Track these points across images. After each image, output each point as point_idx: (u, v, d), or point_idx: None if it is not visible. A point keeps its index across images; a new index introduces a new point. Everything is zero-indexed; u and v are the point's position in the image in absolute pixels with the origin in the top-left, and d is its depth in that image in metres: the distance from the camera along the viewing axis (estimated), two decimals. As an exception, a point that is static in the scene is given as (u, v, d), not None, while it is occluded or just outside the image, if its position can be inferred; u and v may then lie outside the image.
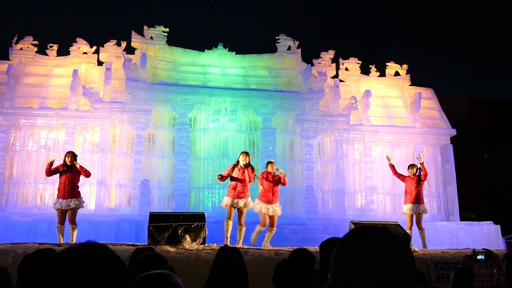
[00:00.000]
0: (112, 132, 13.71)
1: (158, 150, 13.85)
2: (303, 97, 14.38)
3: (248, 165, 9.60)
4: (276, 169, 9.92)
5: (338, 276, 1.18)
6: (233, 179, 9.56)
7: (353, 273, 1.15)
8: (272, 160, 10.39)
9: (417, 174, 10.78)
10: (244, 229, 9.43)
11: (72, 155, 9.70)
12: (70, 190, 9.42)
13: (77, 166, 9.59)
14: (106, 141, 13.41)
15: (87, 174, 9.78)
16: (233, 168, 9.60)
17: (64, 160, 9.67)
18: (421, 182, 10.71)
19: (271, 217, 9.71)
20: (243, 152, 9.83)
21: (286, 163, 14.27)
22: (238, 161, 9.68)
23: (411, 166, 11.00)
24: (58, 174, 9.69)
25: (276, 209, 9.70)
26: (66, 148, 13.15)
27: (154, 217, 9.04)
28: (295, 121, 14.37)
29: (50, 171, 9.64)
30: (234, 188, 9.49)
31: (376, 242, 1.18)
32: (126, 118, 13.39)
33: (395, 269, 1.15)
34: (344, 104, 14.76)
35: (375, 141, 14.95)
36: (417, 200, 10.60)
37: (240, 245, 9.15)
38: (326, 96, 14.97)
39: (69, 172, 9.53)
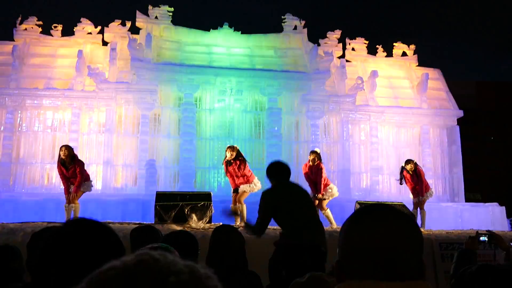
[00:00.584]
0: (118, 113, 13.70)
1: (163, 130, 13.87)
2: (309, 77, 14.30)
3: (236, 158, 9.53)
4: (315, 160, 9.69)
5: (346, 252, 1.20)
6: (231, 174, 9.63)
7: (362, 248, 1.16)
8: (316, 150, 10.03)
9: (416, 169, 10.62)
10: (244, 207, 9.48)
11: (67, 149, 9.15)
12: (74, 179, 9.17)
13: (77, 171, 9.03)
14: (112, 121, 13.43)
15: (81, 180, 9.06)
16: (226, 165, 9.61)
17: (59, 155, 9.15)
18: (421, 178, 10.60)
19: (318, 203, 9.73)
20: (227, 147, 9.75)
21: (291, 144, 14.31)
22: (226, 157, 9.63)
23: (409, 161, 10.76)
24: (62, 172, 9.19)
25: (322, 194, 9.69)
26: (72, 128, 13.31)
27: (161, 197, 9.18)
28: (301, 102, 14.32)
29: (64, 180, 9.24)
30: (236, 180, 9.58)
31: (385, 219, 1.19)
32: (131, 98, 13.38)
33: (404, 245, 1.16)
34: (350, 84, 14.66)
35: (381, 122, 14.88)
36: (421, 193, 10.55)
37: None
38: (333, 76, 14.85)
39: (70, 170, 9.08)
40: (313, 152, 10.02)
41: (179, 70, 13.77)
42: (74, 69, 13.72)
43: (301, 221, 4.76)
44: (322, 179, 9.80)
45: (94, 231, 1.38)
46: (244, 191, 9.51)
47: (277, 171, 5.10)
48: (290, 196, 4.91)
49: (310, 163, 9.88)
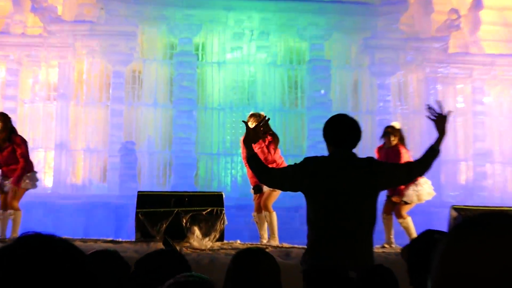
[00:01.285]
0: (77, 69, 13.81)
1: (147, 96, 13.99)
2: (375, 11, 14.26)
3: (264, 133, 9.33)
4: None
5: (445, 284, 1.20)
6: None
7: (469, 281, 1.16)
8: (393, 125, 10.01)
9: None
10: (274, 215, 9.33)
11: (1, 119, 9.15)
12: (14, 167, 9.23)
13: (18, 153, 9.11)
14: (68, 82, 13.52)
15: (25, 166, 9.24)
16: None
17: None
18: None
19: (395, 207, 9.69)
20: (250, 115, 9.54)
21: (347, 116, 14.20)
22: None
23: None
24: None
25: (402, 195, 9.55)
26: (8, 93, 13.35)
27: (145, 199, 9.15)
28: (361, 49, 14.33)
29: None
30: None
31: (504, 236, 1.18)
32: (97, 46, 13.47)
33: None
34: (440, 21, 14.55)
35: (490, 80, 14.81)
36: None
37: (276, 243, 9.09)
38: (411, 9, 14.73)
39: (5, 151, 9.14)
40: (389, 127, 9.83)
41: (171, 1, 13.73)
42: (10, 2, 13.77)
43: (330, 227, 4.70)
44: None
45: (58, 254, 1.38)
46: (273, 191, 9.34)
47: (335, 131, 4.73)
48: (332, 181, 4.67)
49: (387, 144, 9.72)
